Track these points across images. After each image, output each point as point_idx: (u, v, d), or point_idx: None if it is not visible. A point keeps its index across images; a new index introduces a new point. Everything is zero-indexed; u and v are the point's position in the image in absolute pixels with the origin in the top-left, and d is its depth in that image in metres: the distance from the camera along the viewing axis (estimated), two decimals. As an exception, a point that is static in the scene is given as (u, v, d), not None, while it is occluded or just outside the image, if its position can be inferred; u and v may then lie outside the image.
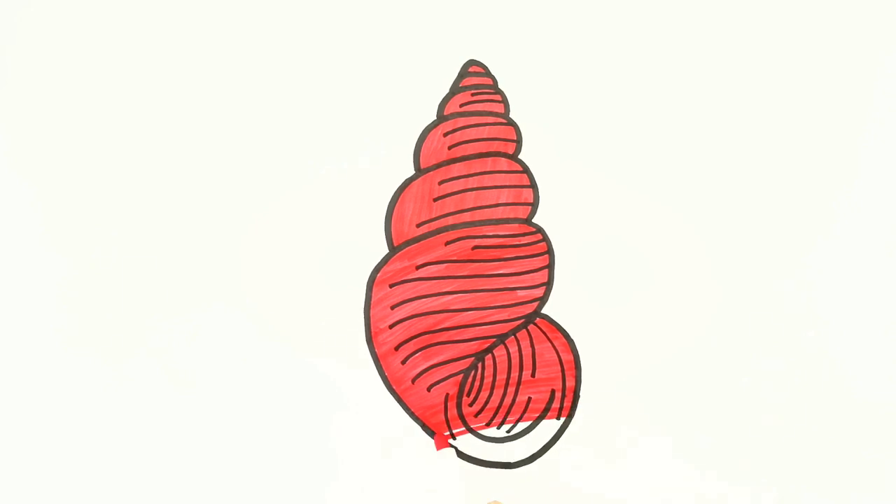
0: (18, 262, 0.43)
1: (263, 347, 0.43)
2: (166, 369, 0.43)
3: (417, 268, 0.44)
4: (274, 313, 0.43)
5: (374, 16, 0.45)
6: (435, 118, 0.44)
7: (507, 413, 0.43)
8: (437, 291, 0.44)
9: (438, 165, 0.44)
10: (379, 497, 0.43)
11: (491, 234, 0.44)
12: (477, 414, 0.43)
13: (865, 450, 0.42)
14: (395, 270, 0.44)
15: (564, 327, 0.44)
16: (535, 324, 0.44)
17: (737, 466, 0.43)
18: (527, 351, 0.44)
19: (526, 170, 0.44)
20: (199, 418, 0.43)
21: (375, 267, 0.43)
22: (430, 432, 0.43)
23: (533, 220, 0.44)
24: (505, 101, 0.44)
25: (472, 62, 0.45)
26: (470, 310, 0.44)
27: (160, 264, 0.43)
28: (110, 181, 0.44)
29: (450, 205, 0.44)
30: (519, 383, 0.44)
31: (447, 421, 0.43)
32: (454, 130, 0.44)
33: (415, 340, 0.43)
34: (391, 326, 0.43)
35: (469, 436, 0.43)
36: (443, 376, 0.43)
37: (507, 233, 0.44)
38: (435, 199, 0.44)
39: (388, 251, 0.44)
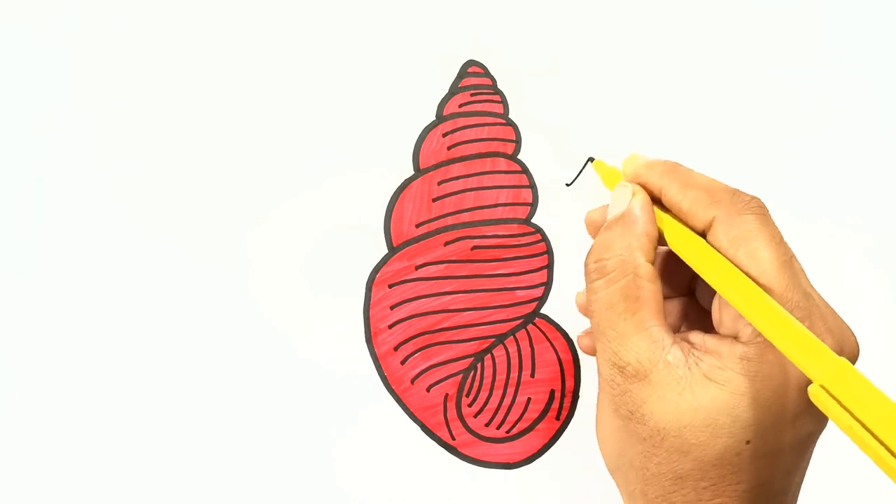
0: (18, 259, 0.43)
1: (262, 347, 0.43)
2: (166, 369, 0.43)
3: (417, 268, 0.44)
4: (273, 313, 0.43)
5: (374, 16, 0.45)
6: (434, 118, 0.44)
7: (507, 413, 0.43)
8: (436, 292, 0.44)
9: (438, 166, 0.44)
10: (378, 498, 0.43)
11: (490, 234, 0.44)
12: (476, 414, 0.43)
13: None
14: (395, 271, 0.44)
15: (564, 327, 0.44)
16: (535, 324, 0.44)
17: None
18: (526, 351, 0.44)
19: (525, 170, 0.44)
20: (197, 418, 0.43)
21: (374, 267, 0.44)
22: None
23: (532, 221, 0.44)
24: (504, 102, 0.44)
25: (471, 62, 0.45)
26: (469, 310, 0.44)
27: (160, 264, 0.43)
28: (110, 182, 0.44)
29: (449, 205, 0.44)
30: (518, 384, 0.44)
31: (446, 421, 0.43)
32: (453, 131, 0.44)
33: (414, 340, 0.43)
34: (390, 327, 0.43)
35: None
36: (442, 376, 0.43)
37: (507, 233, 0.44)
38: (434, 200, 0.44)
39: (387, 251, 0.44)
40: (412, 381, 0.43)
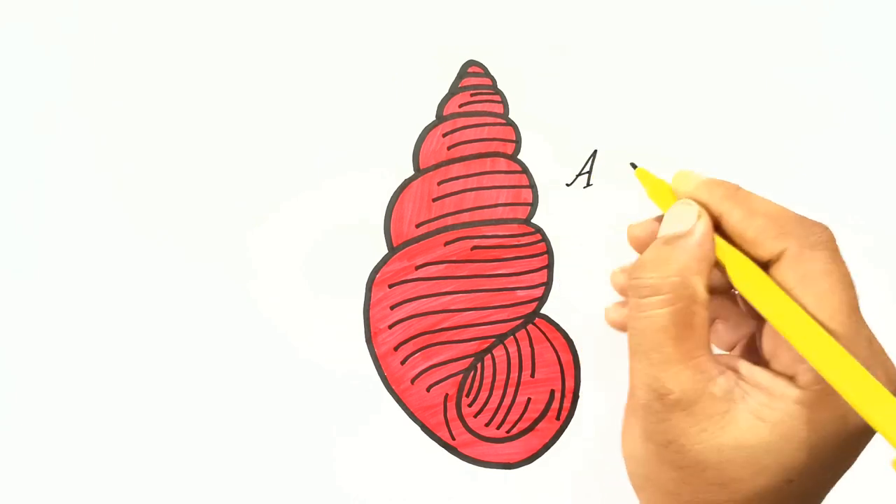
0: (18, 259, 0.43)
1: (262, 347, 0.43)
2: (166, 369, 0.43)
3: (417, 268, 0.44)
4: (273, 313, 0.43)
5: (374, 16, 0.45)
6: (434, 118, 0.44)
7: (507, 413, 0.43)
8: (436, 292, 0.44)
9: (438, 166, 0.44)
10: (378, 498, 0.43)
11: (490, 234, 0.44)
12: (476, 414, 0.43)
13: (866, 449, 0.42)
14: (395, 271, 0.44)
15: (564, 327, 0.44)
16: (535, 324, 0.44)
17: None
18: (526, 351, 0.44)
19: (525, 170, 0.44)
20: (197, 418, 0.43)
21: (374, 267, 0.44)
22: None
23: (532, 221, 0.44)
24: (504, 102, 0.44)
25: (471, 62, 0.45)
26: (469, 310, 0.44)
27: (160, 264, 0.43)
28: (110, 182, 0.44)
29: (449, 205, 0.44)
30: (518, 384, 0.44)
31: (446, 421, 0.43)
32: (453, 131, 0.44)
33: (414, 341, 0.43)
34: (390, 327, 0.43)
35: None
36: (442, 376, 0.43)
37: (507, 233, 0.44)
38: (434, 200, 0.44)
39: (387, 251, 0.44)
40: (412, 381, 0.43)
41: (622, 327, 0.33)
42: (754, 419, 0.28)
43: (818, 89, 0.45)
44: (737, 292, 0.35)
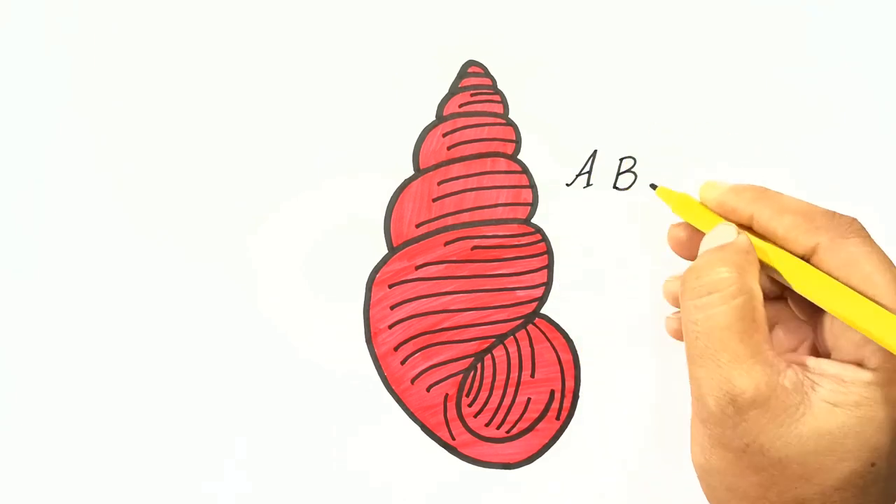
0: (18, 259, 0.44)
1: (262, 347, 0.43)
2: (166, 369, 0.43)
3: (417, 268, 0.44)
4: (273, 313, 0.43)
5: (374, 16, 0.45)
6: (434, 118, 0.44)
7: (507, 413, 0.43)
8: (436, 292, 0.44)
9: (438, 166, 0.44)
10: (378, 498, 0.43)
11: (490, 234, 0.44)
12: (476, 414, 0.43)
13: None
14: (395, 271, 0.44)
15: (564, 327, 0.44)
16: (535, 324, 0.44)
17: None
18: (526, 351, 0.44)
19: (525, 170, 0.44)
20: (197, 418, 0.43)
21: (374, 267, 0.44)
22: None
23: (532, 221, 0.44)
24: (504, 102, 0.44)
25: (471, 62, 0.45)
26: (469, 310, 0.44)
27: (160, 264, 0.43)
28: (110, 182, 0.44)
29: (449, 205, 0.44)
30: (518, 384, 0.44)
31: (446, 421, 0.43)
32: (453, 131, 0.44)
33: (414, 341, 0.43)
34: (390, 327, 0.43)
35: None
36: (442, 377, 0.44)
37: (507, 233, 0.44)
38: (434, 200, 0.44)
39: (387, 251, 0.44)
40: (412, 381, 0.43)
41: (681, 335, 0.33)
42: (829, 406, 0.28)
43: (818, 89, 0.45)
44: (788, 299, 0.35)
